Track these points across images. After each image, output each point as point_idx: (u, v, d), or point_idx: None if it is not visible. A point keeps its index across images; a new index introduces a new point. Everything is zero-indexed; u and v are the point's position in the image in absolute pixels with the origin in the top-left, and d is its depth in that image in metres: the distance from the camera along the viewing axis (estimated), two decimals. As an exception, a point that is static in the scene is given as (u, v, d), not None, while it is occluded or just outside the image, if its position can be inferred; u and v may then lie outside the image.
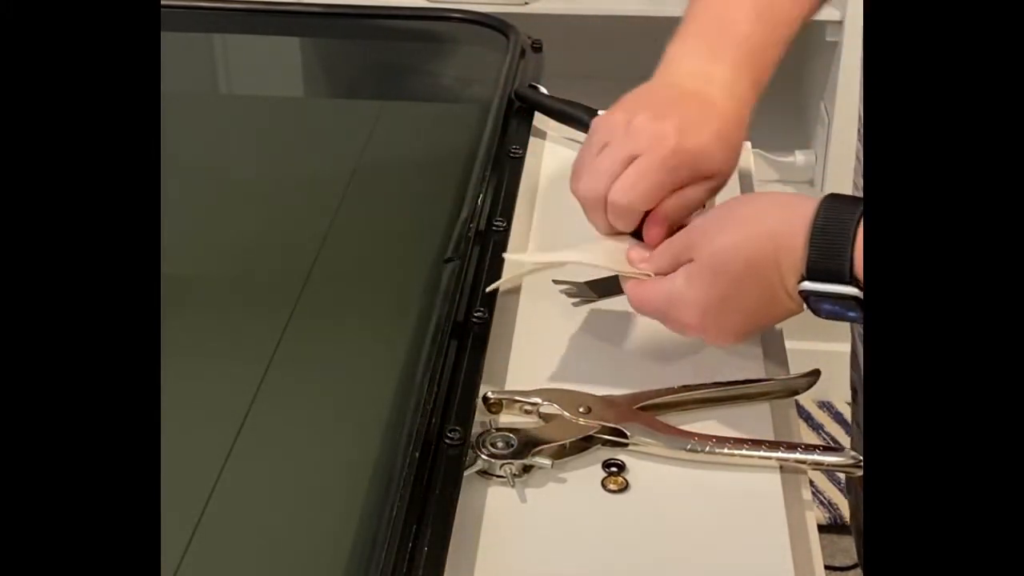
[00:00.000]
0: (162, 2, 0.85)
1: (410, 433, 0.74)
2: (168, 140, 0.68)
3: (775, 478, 0.76)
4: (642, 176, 0.82)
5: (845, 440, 2.00)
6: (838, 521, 1.90)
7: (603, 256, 0.84)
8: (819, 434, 2.03)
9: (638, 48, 1.84)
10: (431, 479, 0.72)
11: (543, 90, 1.18)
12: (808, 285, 0.74)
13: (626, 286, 0.84)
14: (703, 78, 0.86)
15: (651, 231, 0.84)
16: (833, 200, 0.74)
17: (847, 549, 1.86)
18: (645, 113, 0.83)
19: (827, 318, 0.75)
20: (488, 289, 0.87)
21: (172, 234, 0.71)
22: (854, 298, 0.73)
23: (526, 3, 1.88)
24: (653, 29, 1.85)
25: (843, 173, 2.16)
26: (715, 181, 0.85)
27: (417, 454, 0.72)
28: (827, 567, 0.77)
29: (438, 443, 0.74)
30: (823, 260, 0.73)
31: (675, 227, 0.84)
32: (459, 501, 0.71)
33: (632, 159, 0.83)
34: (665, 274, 0.81)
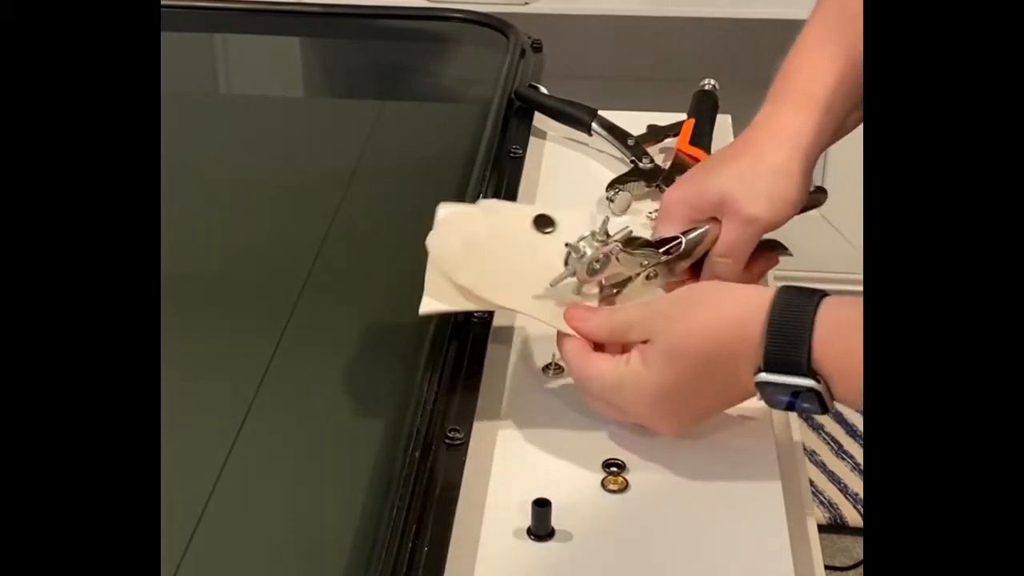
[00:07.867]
0: (162, 2, 0.85)
1: (410, 433, 0.74)
2: (168, 140, 0.68)
3: (775, 478, 0.76)
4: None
5: (845, 440, 2.00)
6: (838, 521, 1.90)
7: (542, 307, 0.80)
8: (819, 434, 2.03)
9: (638, 48, 1.84)
10: (431, 479, 0.72)
11: (543, 90, 1.18)
12: (764, 376, 0.72)
13: (565, 347, 0.79)
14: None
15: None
16: (789, 290, 0.73)
17: (847, 549, 1.86)
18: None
19: (785, 410, 0.75)
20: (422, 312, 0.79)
21: (172, 234, 0.71)
22: (812, 390, 0.71)
23: (526, 3, 1.88)
24: (653, 29, 1.86)
25: (843, 174, 2.16)
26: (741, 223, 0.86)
27: (417, 454, 0.72)
28: (827, 567, 0.77)
29: (438, 443, 0.74)
30: (780, 352, 0.71)
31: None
32: (459, 501, 0.71)
33: None
34: (597, 345, 0.78)
